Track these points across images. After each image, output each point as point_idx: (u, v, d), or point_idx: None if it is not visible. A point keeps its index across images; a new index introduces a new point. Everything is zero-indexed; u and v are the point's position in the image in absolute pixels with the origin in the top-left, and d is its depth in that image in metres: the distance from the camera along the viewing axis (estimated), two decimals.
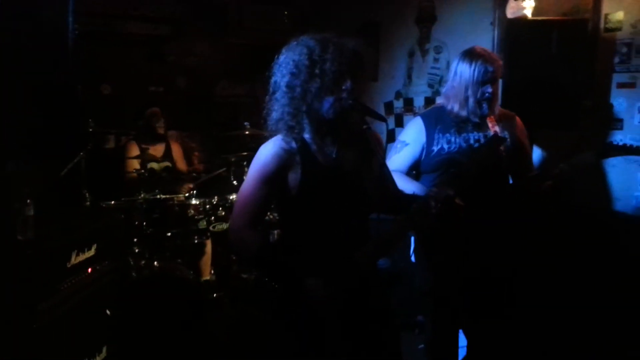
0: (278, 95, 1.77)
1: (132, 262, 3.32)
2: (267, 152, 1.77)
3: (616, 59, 3.30)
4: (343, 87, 1.71)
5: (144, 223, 3.53)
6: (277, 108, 1.77)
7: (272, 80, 1.80)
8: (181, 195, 3.81)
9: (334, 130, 1.79)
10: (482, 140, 2.48)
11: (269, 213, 3.69)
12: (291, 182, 1.76)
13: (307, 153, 1.78)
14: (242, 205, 1.80)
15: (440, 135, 2.50)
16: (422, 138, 2.52)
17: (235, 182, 4.03)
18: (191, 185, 3.99)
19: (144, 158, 3.85)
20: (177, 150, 4.54)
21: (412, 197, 1.97)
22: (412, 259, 2.71)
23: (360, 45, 1.80)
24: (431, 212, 1.79)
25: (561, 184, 2.45)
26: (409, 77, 4.76)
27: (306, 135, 1.79)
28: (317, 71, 1.70)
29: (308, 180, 1.76)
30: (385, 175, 1.82)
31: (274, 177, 1.76)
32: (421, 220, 1.80)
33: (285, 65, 1.77)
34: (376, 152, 1.77)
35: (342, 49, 1.73)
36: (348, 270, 1.75)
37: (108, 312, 2.55)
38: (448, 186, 1.86)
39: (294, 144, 1.77)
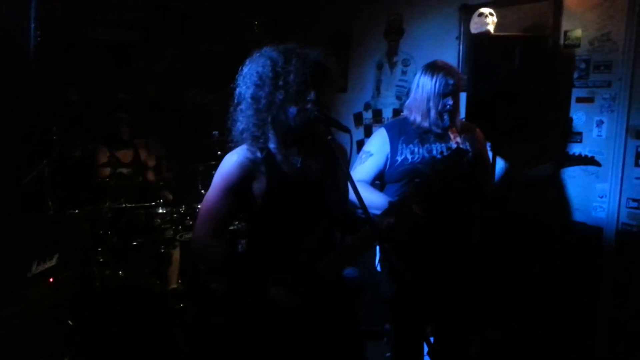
0: (243, 106, 1.78)
1: (96, 272, 3.27)
2: (232, 161, 1.77)
3: (575, 75, 3.41)
4: (307, 98, 1.72)
5: (109, 232, 3.48)
6: (242, 119, 1.78)
7: (237, 91, 1.80)
8: (147, 204, 3.77)
9: (299, 140, 1.81)
10: (445, 151, 2.53)
11: (237, 222, 3.69)
12: (256, 191, 1.77)
13: (272, 163, 1.78)
14: (206, 214, 1.80)
15: (404, 145, 2.54)
16: (386, 148, 2.56)
17: (203, 191, 4.02)
18: (170, 197, 3.96)
19: (113, 164, 3.81)
20: (145, 157, 4.50)
21: (359, 220, 2.00)
22: (378, 268, 2.74)
23: (324, 55, 1.82)
24: (374, 236, 1.81)
25: (509, 190, 2.54)
26: (378, 89, 4.83)
27: (271, 145, 1.80)
28: (280, 82, 1.71)
29: (273, 190, 1.76)
30: (345, 188, 1.84)
31: (238, 186, 1.76)
32: (383, 232, 1.82)
33: (249, 76, 1.77)
34: (340, 163, 1.78)
35: (306, 60, 1.74)
36: (312, 280, 1.77)
37: (70, 322, 2.51)
38: (400, 206, 1.89)
39: (258, 154, 1.77)
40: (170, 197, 3.96)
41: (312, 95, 1.73)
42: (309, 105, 1.72)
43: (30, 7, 2.46)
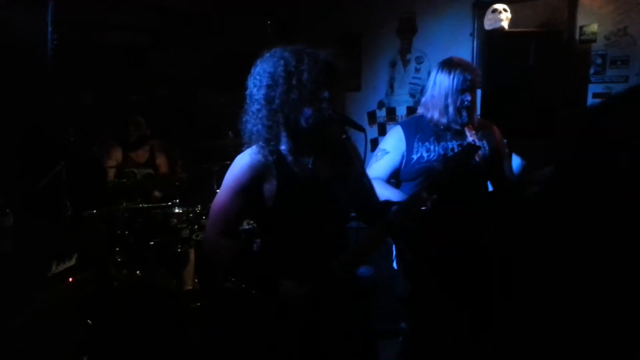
0: (254, 107, 1.77)
1: (114, 272, 3.30)
2: (243, 162, 1.78)
3: (591, 70, 3.38)
4: (321, 97, 1.71)
5: (126, 232, 3.51)
6: (254, 120, 1.77)
7: (248, 92, 1.79)
8: (163, 204, 3.80)
9: (311, 141, 1.80)
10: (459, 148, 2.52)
11: (252, 222, 3.70)
12: (267, 193, 1.77)
13: (283, 164, 1.78)
14: (217, 214, 1.81)
15: (420, 143, 2.53)
16: (402, 146, 2.55)
17: (218, 191, 4.03)
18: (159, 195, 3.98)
19: (126, 163, 3.84)
20: (161, 159, 4.53)
21: (387, 207, 1.99)
22: (395, 265, 2.74)
23: (334, 55, 1.80)
24: (408, 218, 1.81)
25: (525, 188, 2.52)
26: (391, 87, 4.82)
27: (282, 147, 1.80)
28: (293, 83, 1.70)
29: (284, 192, 1.76)
30: (365, 185, 1.83)
31: (249, 187, 1.76)
32: (397, 229, 1.79)
33: (260, 77, 1.76)
34: (354, 162, 1.77)
35: (317, 60, 1.73)
36: (323, 280, 1.76)
37: (89, 322, 2.53)
38: (424, 191, 1.89)
39: (269, 155, 1.77)
40: (159, 195, 3.99)
41: (325, 94, 1.73)
42: (322, 105, 1.72)
43: (47, 11, 2.49)
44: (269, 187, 1.76)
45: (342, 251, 1.84)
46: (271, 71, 1.74)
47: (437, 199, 1.90)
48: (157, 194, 4.17)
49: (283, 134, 1.78)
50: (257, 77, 1.77)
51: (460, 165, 1.98)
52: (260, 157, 1.77)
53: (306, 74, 1.70)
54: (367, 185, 1.79)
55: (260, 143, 1.77)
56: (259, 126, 1.75)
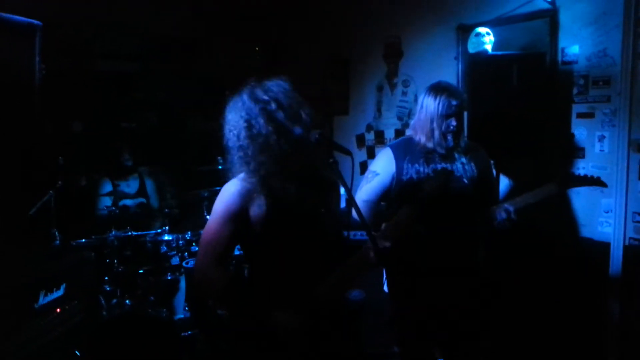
0: (237, 140, 1.79)
1: (103, 301, 3.26)
2: (232, 190, 1.81)
3: (574, 91, 3.44)
4: (304, 123, 1.76)
5: (115, 261, 3.48)
6: (239, 152, 1.80)
7: (230, 125, 1.82)
8: (153, 232, 3.78)
9: (295, 169, 1.84)
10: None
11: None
12: (255, 218, 1.79)
13: (270, 191, 1.81)
14: (207, 243, 1.82)
15: (409, 165, 2.55)
16: (392, 168, 2.57)
17: (208, 217, 4.01)
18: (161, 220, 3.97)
19: (116, 195, 3.83)
20: (151, 186, 4.53)
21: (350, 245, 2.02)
22: (385, 289, 2.73)
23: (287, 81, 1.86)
24: (371, 262, 1.81)
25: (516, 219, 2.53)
26: (379, 110, 4.87)
27: (269, 175, 1.82)
28: (276, 116, 1.75)
29: (272, 216, 1.79)
30: (339, 217, 1.88)
31: (238, 214, 1.79)
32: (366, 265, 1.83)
33: (239, 115, 1.79)
34: (336, 188, 1.84)
35: (286, 89, 1.80)
36: (312, 306, 1.78)
37: (77, 352, 2.49)
38: (390, 232, 1.89)
39: (256, 183, 1.80)
40: (161, 222, 3.98)
41: (307, 118, 1.77)
42: (308, 131, 1.76)
43: (35, 39, 2.51)
44: (258, 212, 1.79)
45: (328, 274, 1.85)
46: (246, 111, 1.78)
47: (416, 223, 1.93)
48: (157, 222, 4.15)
49: (268, 164, 1.80)
50: (237, 112, 1.80)
51: (436, 190, 2.06)
52: (247, 184, 1.80)
53: (285, 107, 1.76)
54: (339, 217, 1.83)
55: (247, 173, 1.81)
56: (245, 157, 1.79)
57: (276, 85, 1.81)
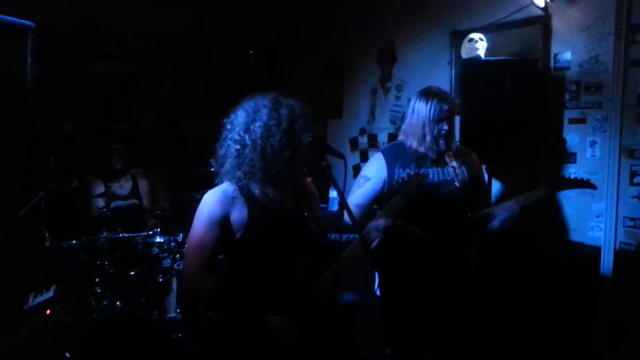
0: (233, 149, 1.84)
1: (93, 303, 3.25)
2: (213, 197, 1.85)
3: (566, 96, 3.46)
4: (298, 141, 1.81)
5: (106, 262, 3.46)
6: (230, 160, 1.85)
7: (226, 134, 1.88)
8: (144, 233, 3.76)
9: (283, 176, 1.87)
10: (442, 175, 2.56)
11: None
12: (236, 224, 1.83)
13: (251, 197, 1.86)
14: (193, 250, 1.84)
15: (401, 170, 2.56)
16: (384, 173, 2.58)
17: (191, 229, 3.99)
18: (157, 222, 3.95)
19: (108, 196, 3.81)
20: (143, 188, 4.51)
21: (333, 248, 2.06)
22: (377, 292, 2.73)
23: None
24: (373, 239, 1.91)
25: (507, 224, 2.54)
26: (372, 114, 4.89)
27: (251, 184, 1.87)
28: (272, 130, 1.81)
29: (253, 222, 1.82)
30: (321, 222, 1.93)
31: (221, 220, 1.82)
32: (370, 246, 1.90)
33: (239, 124, 1.85)
34: (315, 198, 1.90)
35: (290, 105, 1.86)
36: (305, 305, 1.79)
37: (67, 355, 2.47)
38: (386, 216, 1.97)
39: (237, 189, 1.85)
40: (154, 223, 3.95)
41: (304, 138, 1.82)
42: (302, 134, 1.81)
43: (27, 40, 2.50)
44: (239, 217, 1.82)
45: (314, 277, 1.89)
46: (248, 120, 1.84)
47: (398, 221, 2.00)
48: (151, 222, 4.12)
49: (255, 173, 1.84)
50: (236, 124, 1.86)
51: (413, 191, 2.17)
52: (228, 191, 1.85)
53: (284, 122, 1.81)
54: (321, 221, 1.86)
55: (231, 181, 1.86)
56: (235, 166, 1.84)
57: (285, 99, 1.88)
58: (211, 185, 3.90)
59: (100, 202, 3.81)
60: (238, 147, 1.83)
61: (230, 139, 1.85)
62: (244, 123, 1.84)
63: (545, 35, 3.52)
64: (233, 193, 1.84)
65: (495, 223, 2.51)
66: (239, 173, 1.83)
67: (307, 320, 1.79)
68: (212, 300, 1.83)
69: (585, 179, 2.65)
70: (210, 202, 1.84)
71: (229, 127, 1.88)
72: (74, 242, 3.43)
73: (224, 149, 1.87)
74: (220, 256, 1.96)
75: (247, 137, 1.82)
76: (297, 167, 1.86)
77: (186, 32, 5.43)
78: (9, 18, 2.46)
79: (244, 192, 1.85)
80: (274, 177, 1.86)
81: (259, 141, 1.80)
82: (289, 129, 1.81)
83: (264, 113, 1.82)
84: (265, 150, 1.80)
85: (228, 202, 1.83)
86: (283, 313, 1.77)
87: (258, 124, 1.81)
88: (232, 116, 1.89)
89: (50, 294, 2.35)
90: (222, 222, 1.82)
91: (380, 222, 1.97)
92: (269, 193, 1.88)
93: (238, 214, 1.82)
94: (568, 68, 3.45)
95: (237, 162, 1.83)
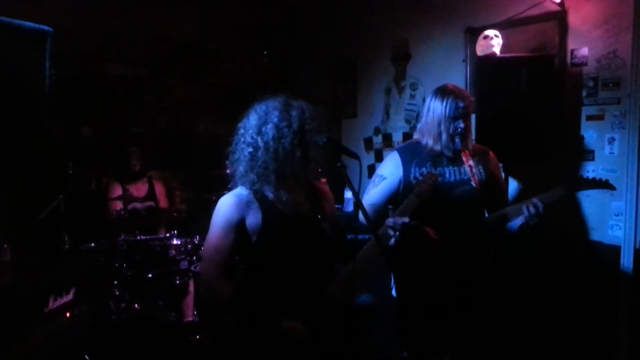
0: (246, 152, 1.87)
1: (112, 305, 3.27)
2: (228, 201, 1.88)
3: (584, 93, 3.41)
4: (310, 143, 1.84)
5: (124, 265, 3.50)
6: (244, 165, 1.88)
7: (238, 138, 1.91)
8: (162, 236, 3.78)
9: (291, 178, 1.89)
10: (458, 174, 2.53)
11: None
12: (251, 228, 1.86)
13: (265, 199, 1.89)
14: (210, 256, 1.87)
15: (417, 169, 2.54)
16: (399, 172, 2.56)
17: (207, 234, 4.01)
18: (174, 224, 3.99)
19: (126, 199, 3.84)
20: (160, 190, 4.55)
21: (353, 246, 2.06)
22: (394, 293, 2.72)
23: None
24: (391, 238, 1.91)
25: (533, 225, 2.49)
26: (387, 113, 4.87)
27: (265, 188, 1.90)
28: (284, 132, 1.84)
29: (268, 225, 1.85)
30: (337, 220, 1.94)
31: (236, 224, 1.85)
32: (385, 246, 1.90)
33: (252, 127, 1.88)
34: (329, 198, 1.91)
35: (302, 108, 1.89)
36: (320, 308, 1.80)
37: (87, 357, 2.50)
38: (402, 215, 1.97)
39: (251, 194, 1.88)
40: (170, 225, 3.99)
41: (315, 140, 1.85)
42: (317, 135, 1.84)
43: (46, 46, 2.53)
44: (254, 222, 1.86)
45: (328, 279, 1.90)
46: (260, 122, 1.87)
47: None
48: (162, 229, 4.17)
49: (268, 175, 1.87)
50: (248, 127, 1.89)
51: (426, 192, 2.14)
52: (243, 195, 1.88)
53: (295, 123, 1.84)
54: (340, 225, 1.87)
55: (245, 184, 1.89)
56: (249, 170, 1.87)
57: (295, 101, 1.90)
58: (226, 187, 3.93)
59: (118, 205, 3.85)
60: (251, 149, 1.85)
61: (243, 142, 1.88)
62: (255, 126, 1.87)
63: (562, 31, 3.47)
64: (247, 197, 1.87)
65: (515, 224, 2.47)
66: (252, 176, 1.85)
67: (322, 322, 1.79)
68: (229, 303, 1.85)
69: (604, 180, 2.60)
70: (226, 206, 1.87)
71: (241, 130, 1.91)
72: (92, 244, 3.47)
73: (237, 152, 1.91)
74: (237, 257, 1.98)
75: (259, 139, 1.84)
76: (310, 168, 1.89)
77: (199, 35, 5.47)
78: (28, 24, 2.50)
79: (258, 196, 1.88)
80: (287, 179, 1.88)
81: (271, 143, 1.82)
82: (299, 130, 1.83)
83: (274, 115, 1.85)
84: (277, 152, 1.82)
85: (243, 206, 1.86)
86: (297, 315, 1.78)
87: (269, 125, 1.83)
88: (245, 119, 1.92)
89: (70, 296, 2.37)
90: (238, 227, 1.85)
91: (397, 220, 1.96)
92: (282, 196, 1.90)
93: (253, 219, 1.85)
94: (585, 64, 3.40)
95: (250, 165, 1.86)
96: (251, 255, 1.91)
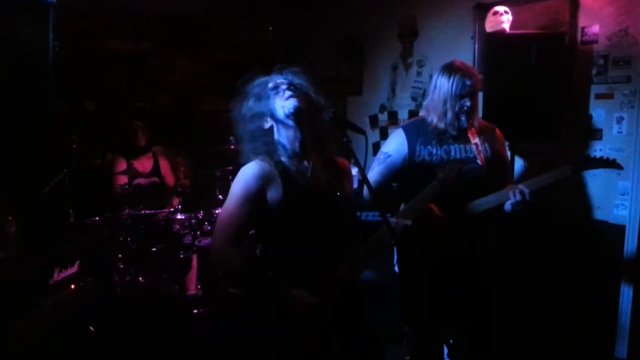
0: (254, 123, 1.88)
1: (116, 279, 3.30)
2: (250, 172, 1.85)
3: (594, 71, 3.36)
4: (319, 107, 1.85)
5: (129, 239, 3.51)
6: (256, 134, 1.88)
7: (245, 110, 1.90)
8: (166, 210, 3.79)
9: (310, 151, 1.90)
10: (464, 152, 2.51)
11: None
12: (272, 200, 1.84)
13: (287, 173, 1.87)
14: (225, 223, 1.85)
15: (422, 147, 2.52)
16: (404, 149, 2.54)
17: (220, 197, 4.03)
18: (178, 200, 3.99)
19: (131, 173, 3.84)
20: (164, 165, 4.55)
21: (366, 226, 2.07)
22: (396, 269, 2.73)
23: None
24: (391, 241, 1.88)
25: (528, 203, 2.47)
26: (393, 90, 4.82)
27: (283, 159, 1.89)
28: (265, 95, 1.87)
29: (288, 198, 1.83)
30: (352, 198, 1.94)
31: (256, 195, 1.83)
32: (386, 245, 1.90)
33: (266, 98, 1.88)
34: (349, 178, 1.90)
35: (305, 73, 1.90)
36: (331, 284, 1.80)
37: (92, 328, 2.52)
38: (410, 212, 1.97)
39: (273, 165, 1.86)
40: (175, 200, 3.99)
41: (321, 101, 1.86)
42: (286, 97, 1.83)
43: (49, 18, 2.50)
44: (275, 194, 1.84)
45: (343, 256, 1.88)
46: (252, 94, 1.89)
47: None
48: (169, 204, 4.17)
49: (279, 147, 1.88)
50: (261, 99, 1.89)
51: (451, 179, 2.15)
52: (265, 166, 1.86)
53: (271, 82, 1.87)
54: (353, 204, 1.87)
55: (264, 155, 1.87)
56: (262, 139, 1.87)
57: (299, 70, 1.90)
58: (229, 162, 3.92)
59: (122, 179, 3.85)
60: (262, 121, 1.87)
61: (252, 115, 1.87)
62: (259, 101, 1.87)
63: (573, 7, 3.41)
64: (270, 169, 1.85)
65: (507, 206, 2.46)
66: (267, 148, 1.86)
67: (330, 296, 1.79)
68: (238, 273, 1.85)
69: (611, 159, 2.57)
70: (247, 176, 1.85)
71: (248, 102, 1.89)
72: (97, 218, 3.48)
73: (247, 124, 1.88)
74: (251, 232, 1.99)
75: (264, 115, 1.87)
76: (322, 139, 1.89)
77: (203, 11, 5.40)
78: None
79: (280, 168, 1.87)
80: (305, 150, 1.89)
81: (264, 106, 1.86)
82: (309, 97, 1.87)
83: (275, 90, 1.87)
84: (272, 112, 1.86)
85: (265, 178, 1.84)
86: (308, 288, 1.78)
87: (261, 94, 1.87)
88: (250, 92, 1.90)
89: (75, 269, 2.38)
90: (257, 198, 1.84)
91: (399, 222, 1.98)
92: (302, 170, 1.89)
93: (274, 192, 1.84)
94: (596, 42, 3.34)
95: (263, 141, 1.87)
96: (267, 228, 1.90)
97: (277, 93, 1.85)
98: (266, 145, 1.86)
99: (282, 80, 1.87)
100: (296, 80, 1.88)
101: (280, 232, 1.87)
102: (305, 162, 1.91)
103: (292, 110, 1.81)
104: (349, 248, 1.94)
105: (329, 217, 1.89)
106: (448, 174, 2.16)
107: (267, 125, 1.87)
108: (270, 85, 1.86)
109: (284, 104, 1.82)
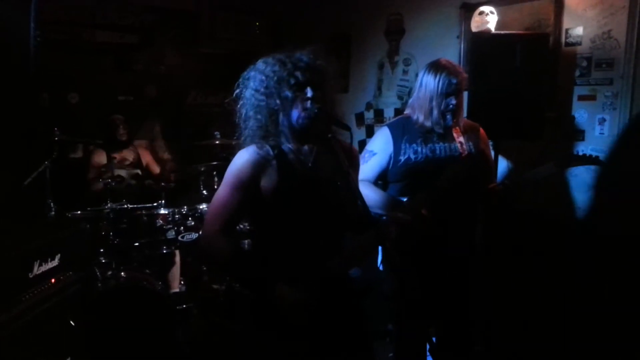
0: (249, 109, 1.81)
1: (98, 273, 3.27)
2: (244, 158, 1.79)
3: (577, 73, 3.40)
4: (308, 98, 1.75)
5: (111, 233, 3.48)
6: (251, 121, 1.81)
7: (240, 95, 1.83)
8: (149, 205, 3.76)
9: (309, 139, 1.83)
10: (448, 150, 2.53)
11: (240, 224, 3.68)
12: (266, 188, 1.78)
13: (284, 160, 1.80)
14: (216, 211, 1.80)
15: (407, 145, 2.53)
16: (390, 148, 2.55)
17: (205, 192, 4.01)
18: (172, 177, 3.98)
19: (111, 165, 3.80)
20: (147, 156, 4.52)
21: (374, 220, 2.02)
22: (380, 267, 2.73)
23: (317, 54, 1.86)
24: (390, 236, 1.86)
25: (512, 193, 2.51)
26: (379, 88, 4.83)
27: (284, 144, 1.82)
28: (284, 85, 1.76)
29: (284, 186, 1.78)
30: (357, 188, 1.85)
31: (249, 183, 1.77)
32: (382, 241, 1.85)
33: (253, 82, 1.81)
34: (344, 162, 1.78)
35: (299, 62, 1.79)
36: (320, 279, 1.77)
37: (72, 323, 2.50)
38: (410, 208, 1.93)
39: (270, 151, 1.80)
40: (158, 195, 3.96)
41: (311, 94, 1.76)
42: (308, 104, 1.75)
43: (30, 7, 2.46)
44: (269, 181, 1.77)
45: (337, 251, 1.86)
46: (261, 77, 1.79)
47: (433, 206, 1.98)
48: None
49: (283, 132, 1.81)
50: (250, 82, 1.82)
51: (459, 175, 2.10)
52: (261, 152, 1.79)
53: (294, 77, 1.75)
54: (359, 192, 1.81)
55: (260, 140, 1.80)
56: (256, 126, 1.79)
57: (299, 55, 1.83)
58: (214, 158, 3.89)
59: (104, 173, 3.81)
60: (260, 105, 1.80)
61: (250, 98, 1.82)
62: (254, 84, 1.81)
63: (557, 9, 3.44)
64: (266, 155, 1.79)
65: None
66: (262, 131, 1.79)
67: (319, 291, 1.76)
68: (227, 262, 1.81)
69: (594, 156, 2.62)
70: (242, 163, 1.79)
71: (241, 89, 1.84)
72: (79, 212, 3.44)
73: (245, 109, 1.83)
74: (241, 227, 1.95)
75: (258, 96, 1.79)
76: (314, 125, 1.78)
77: (191, 4, 5.36)
78: None
79: (276, 153, 1.80)
80: (301, 137, 1.82)
81: (269, 100, 1.78)
82: (295, 85, 1.77)
83: (277, 68, 1.79)
84: (284, 105, 1.77)
85: (260, 164, 1.78)
86: (298, 282, 1.74)
87: (275, 79, 1.77)
88: (246, 77, 1.85)
89: (55, 262, 2.36)
90: (251, 186, 1.78)
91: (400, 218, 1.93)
92: (303, 157, 1.84)
93: (268, 180, 1.77)
94: (579, 43, 3.38)
95: (256, 122, 1.80)
96: (261, 216, 1.86)
97: (299, 89, 1.76)
98: (267, 129, 1.79)
99: (307, 77, 1.77)
100: (320, 80, 1.81)
101: (275, 222, 1.82)
102: (306, 147, 1.84)
103: (308, 120, 1.75)
104: (347, 241, 1.91)
105: (328, 207, 1.83)
106: (457, 169, 2.14)
107: (275, 107, 1.79)
108: (292, 82, 1.76)
109: (303, 109, 1.75)
